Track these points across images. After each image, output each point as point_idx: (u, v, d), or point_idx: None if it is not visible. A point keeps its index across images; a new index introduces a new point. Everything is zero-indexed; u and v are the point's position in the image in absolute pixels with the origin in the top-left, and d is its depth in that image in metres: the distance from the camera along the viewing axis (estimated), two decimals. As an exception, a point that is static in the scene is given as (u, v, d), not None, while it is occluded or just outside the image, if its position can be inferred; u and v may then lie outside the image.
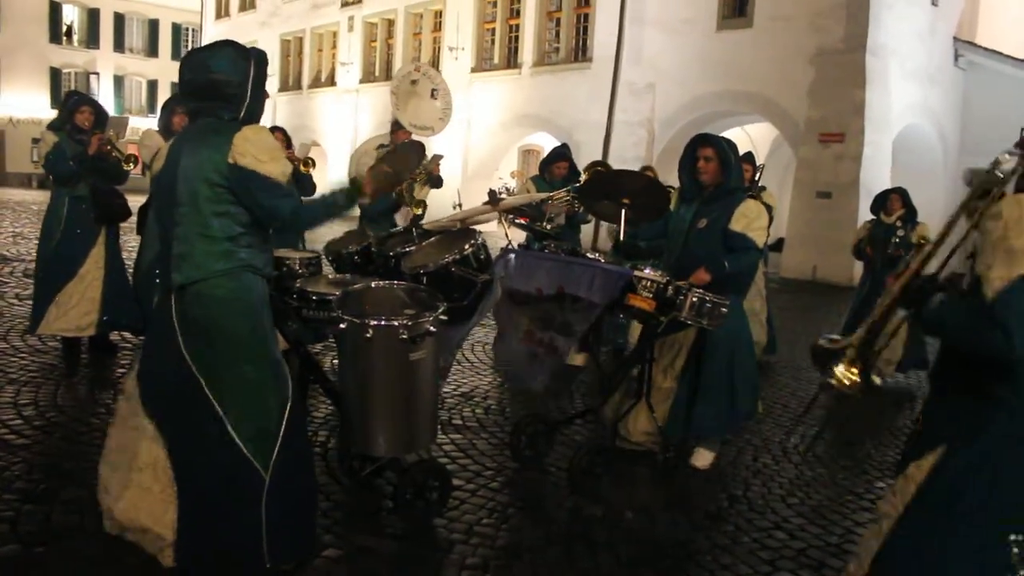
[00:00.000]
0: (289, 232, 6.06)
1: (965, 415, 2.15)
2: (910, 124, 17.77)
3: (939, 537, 2.12)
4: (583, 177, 7.41)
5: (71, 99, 6.26)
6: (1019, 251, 2.02)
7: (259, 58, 3.07)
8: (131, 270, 6.73)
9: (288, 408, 3.04)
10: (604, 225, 13.92)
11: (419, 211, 6.64)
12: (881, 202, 7.78)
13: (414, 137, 6.69)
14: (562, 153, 7.75)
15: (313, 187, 6.74)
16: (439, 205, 7.22)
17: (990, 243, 2.08)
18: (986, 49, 18.61)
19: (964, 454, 2.12)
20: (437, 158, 6.99)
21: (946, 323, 2.16)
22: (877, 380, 2.24)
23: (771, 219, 6.57)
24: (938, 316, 2.16)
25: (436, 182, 7.17)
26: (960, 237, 2.27)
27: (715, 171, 4.58)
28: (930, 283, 2.22)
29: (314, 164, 6.99)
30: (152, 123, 9.57)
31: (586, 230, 13.93)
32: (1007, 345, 1.99)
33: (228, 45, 3.04)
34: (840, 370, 2.28)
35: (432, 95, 6.58)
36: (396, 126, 7.52)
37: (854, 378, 2.27)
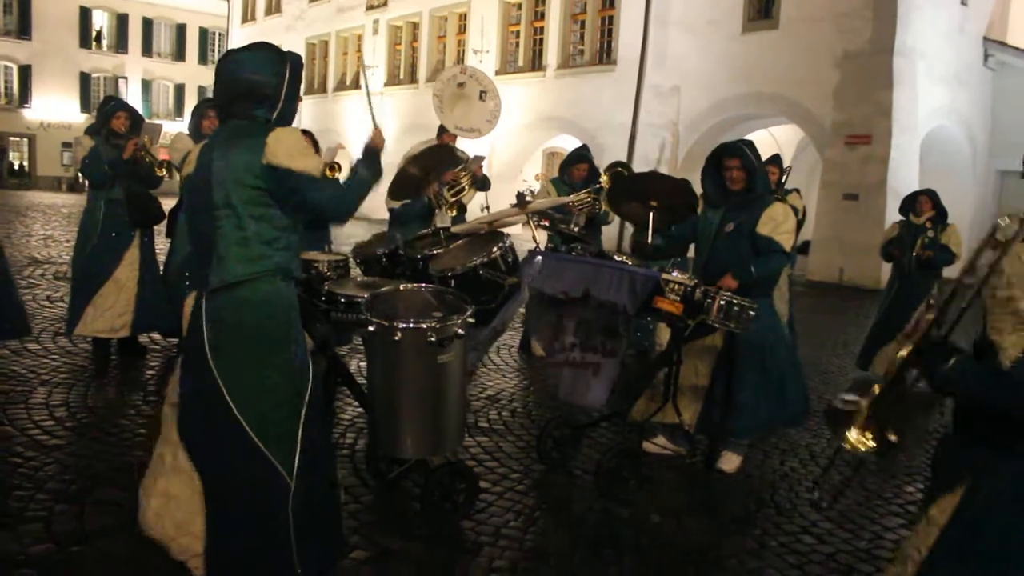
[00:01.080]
0: (316, 233, 6.10)
1: (985, 459, 2.09)
2: (938, 126, 17.57)
3: None
4: (603, 178, 7.42)
5: (108, 104, 6.39)
6: None
7: (295, 62, 3.08)
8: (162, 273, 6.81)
9: (306, 411, 3.02)
10: (629, 228, 13.92)
11: (453, 213, 6.65)
12: (910, 203, 7.70)
13: (459, 139, 6.70)
14: (582, 155, 7.76)
15: None
16: (468, 208, 7.23)
17: (997, 303, 2.02)
18: (1017, 49, 18.33)
19: (982, 498, 2.06)
20: (478, 159, 6.99)
21: (961, 389, 2.10)
22: (893, 437, 2.20)
23: (801, 222, 6.53)
24: (953, 382, 2.10)
25: (483, 184, 7.16)
26: (967, 301, 2.18)
27: (743, 179, 4.63)
28: (942, 346, 2.14)
29: (340, 168, 7.02)
30: (180, 127, 9.67)
31: (611, 232, 13.88)
32: None
33: (266, 47, 3.05)
34: (854, 435, 2.23)
35: (481, 97, 6.59)
36: (442, 130, 7.54)
37: (868, 443, 2.22)
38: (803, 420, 5.06)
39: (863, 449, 2.23)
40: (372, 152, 3.28)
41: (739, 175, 4.62)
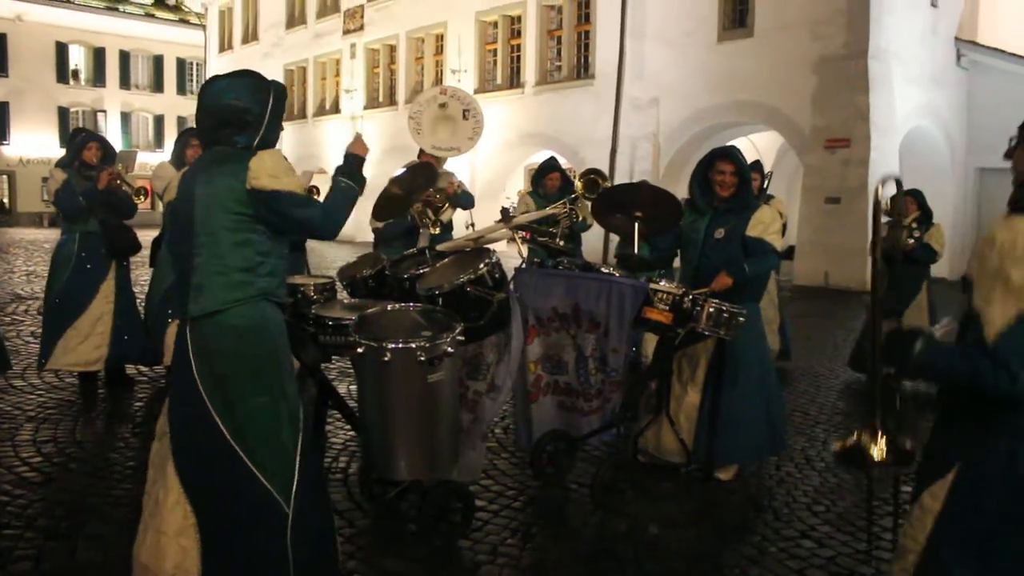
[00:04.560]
0: (293, 256, 6.07)
1: (972, 439, 2.08)
2: (916, 126, 17.75)
3: (965, 568, 2.06)
4: (578, 184, 7.53)
5: (78, 136, 6.34)
6: (1018, 285, 1.92)
7: (279, 91, 3.07)
8: (142, 303, 6.76)
9: (302, 437, 3.00)
10: (613, 240, 13.94)
11: (436, 231, 6.62)
12: None
13: (426, 160, 6.69)
14: (551, 165, 7.88)
15: None
16: (453, 225, 7.19)
17: (987, 273, 1.99)
18: (988, 48, 18.57)
19: (975, 477, 2.05)
20: (447, 175, 6.96)
21: (938, 368, 2.08)
22: (909, 445, 2.25)
23: (784, 227, 6.56)
24: (927, 362, 2.08)
25: (463, 202, 7.04)
26: None
27: (735, 184, 4.64)
28: (906, 333, 2.14)
29: (318, 192, 6.99)
30: (160, 158, 9.64)
31: (595, 245, 13.88)
32: (1011, 387, 1.93)
33: (249, 74, 3.04)
34: (874, 453, 2.27)
35: (464, 115, 6.55)
36: (422, 153, 7.55)
37: (886, 450, 2.26)
38: (784, 445, 5.04)
39: (887, 459, 2.24)
40: (354, 160, 3.26)
41: (732, 180, 4.63)
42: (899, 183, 2.23)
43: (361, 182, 3.24)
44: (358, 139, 3.33)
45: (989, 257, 1.99)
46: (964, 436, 2.11)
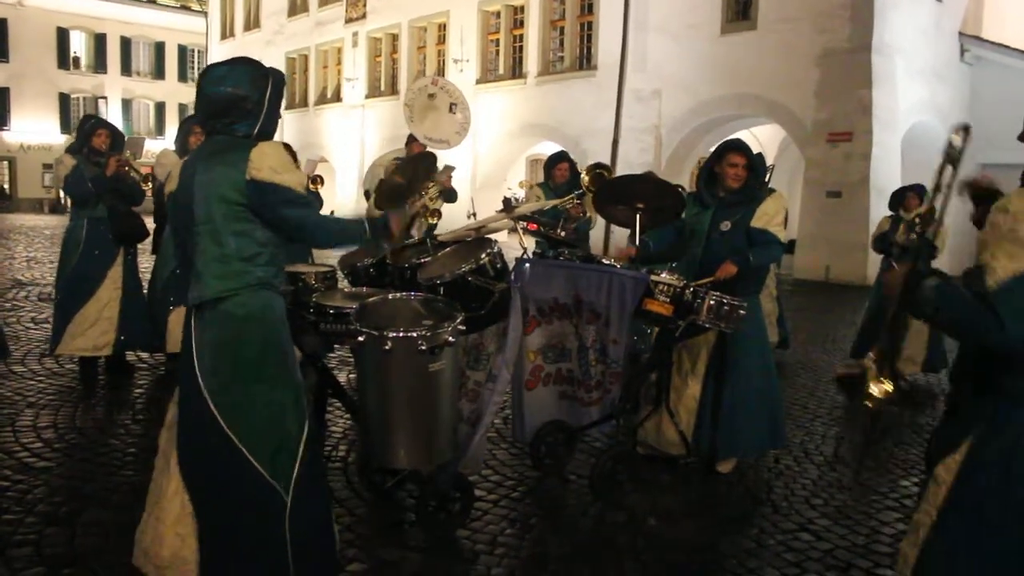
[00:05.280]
0: (300, 247, 6.07)
1: (983, 412, 2.13)
2: (919, 121, 17.72)
3: (976, 540, 2.08)
4: (584, 177, 7.52)
5: (87, 122, 6.33)
6: None
7: (277, 78, 3.06)
8: (146, 290, 6.76)
9: (307, 427, 3.01)
10: (615, 232, 13.93)
11: (434, 220, 6.64)
12: (899, 199, 7.82)
13: (429, 150, 6.70)
14: (562, 155, 7.87)
15: (321, 203, 6.73)
16: (454, 215, 7.20)
17: (998, 235, 2.05)
18: (992, 43, 18.53)
19: (987, 451, 2.09)
20: (448, 169, 6.97)
21: (939, 305, 2.14)
22: (904, 384, 2.38)
23: (785, 220, 6.58)
24: (931, 298, 2.15)
25: (450, 196, 7.14)
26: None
27: (744, 177, 4.65)
28: (922, 271, 2.23)
29: (323, 182, 6.99)
30: (161, 145, 9.62)
31: (596, 235, 13.91)
32: (999, 334, 1.99)
33: (247, 62, 3.02)
34: (874, 389, 2.39)
35: (451, 109, 6.57)
36: (411, 139, 7.54)
37: (887, 387, 2.38)
38: (784, 439, 5.04)
39: (886, 395, 2.35)
40: (383, 230, 3.21)
41: (744, 172, 4.64)
42: (967, 128, 2.33)
43: (369, 244, 3.24)
44: (396, 220, 3.25)
45: (1002, 222, 2.05)
46: (976, 410, 2.17)
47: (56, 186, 6.14)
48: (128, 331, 6.24)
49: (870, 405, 2.38)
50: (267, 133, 3.06)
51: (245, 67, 3.01)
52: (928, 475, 2.28)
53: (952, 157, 2.25)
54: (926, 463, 2.44)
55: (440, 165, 6.86)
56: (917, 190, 7.66)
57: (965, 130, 2.26)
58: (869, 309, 7.99)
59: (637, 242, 4.66)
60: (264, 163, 2.86)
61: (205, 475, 2.92)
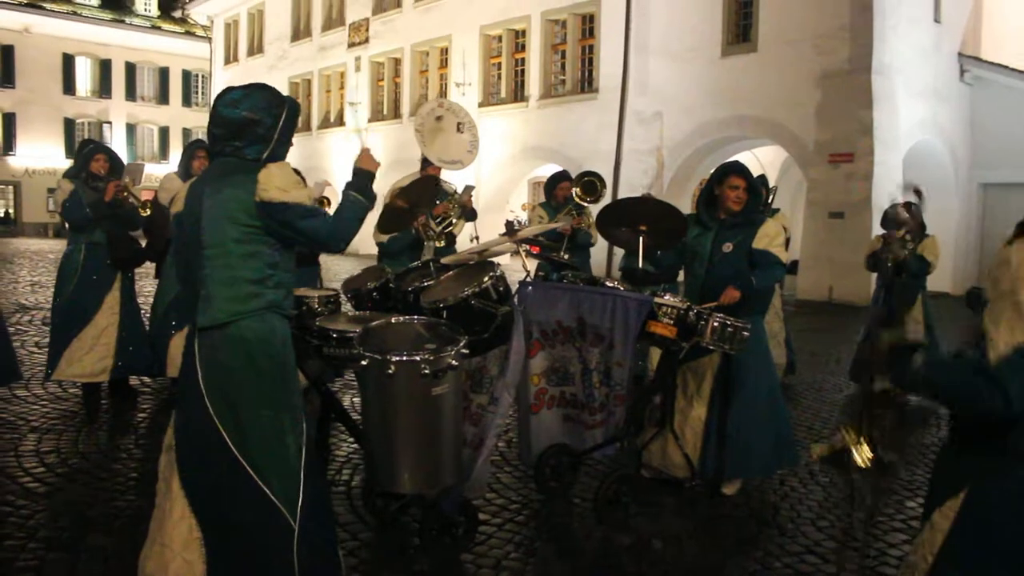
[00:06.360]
0: (307, 270, 6.09)
1: (985, 462, 2.08)
2: (920, 141, 17.76)
3: None
4: (575, 191, 7.64)
5: (86, 147, 6.35)
6: None
7: (292, 106, 3.08)
8: (147, 315, 6.76)
9: (306, 449, 2.99)
10: (617, 253, 13.93)
11: (441, 243, 6.65)
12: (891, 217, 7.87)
13: (444, 172, 6.75)
14: (563, 175, 7.97)
15: None
16: (457, 239, 7.22)
17: (999, 294, 1.99)
18: (991, 63, 18.64)
19: (986, 499, 2.06)
20: (469, 189, 7.04)
21: (937, 382, 2.09)
22: (890, 457, 2.28)
23: (786, 242, 6.59)
24: (927, 376, 2.10)
25: (470, 215, 7.20)
26: None
27: (744, 200, 4.68)
28: (906, 346, 2.16)
29: (329, 203, 7.00)
30: (165, 170, 9.65)
31: (598, 257, 13.88)
32: (1005, 410, 1.93)
33: (263, 88, 3.05)
34: (857, 457, 2.32)
35: (459, 129, 6.61)
36: (425, 163, 7.60)
37: (869, 454, 2.30)
38: (796, 458, 5.00)
39: (867, 462, 2.26)
40: (364, 174, 3.26)
41: (744, 195, 4.66)
42: (919, 192, 2.29)
43: (371, 196, 3.23)
44: (366, 153, 3.32)
45: (1002, 277, 2.00)
46: (976, 458, 2.11)
47: (56, 210, 6.13)
48: (126, 357, 6.21)
49: (859, 469, 2.31)
50: (277, 159, 3.07)
51: (262, 92, 3.03)
52: (926, 516, 2.24)
53: (899, 221, 2.20)
54: (931, 479, 2.40)
55: (460, 187, 6.94)
56: (906, 206, 7.70)
57: (917, 192, 2.22)
58: (867, 327, 7.99)
59: (640, 264, 4.67)
60: (271, 183, 2.87)
61: (213, 500, 2.90)
